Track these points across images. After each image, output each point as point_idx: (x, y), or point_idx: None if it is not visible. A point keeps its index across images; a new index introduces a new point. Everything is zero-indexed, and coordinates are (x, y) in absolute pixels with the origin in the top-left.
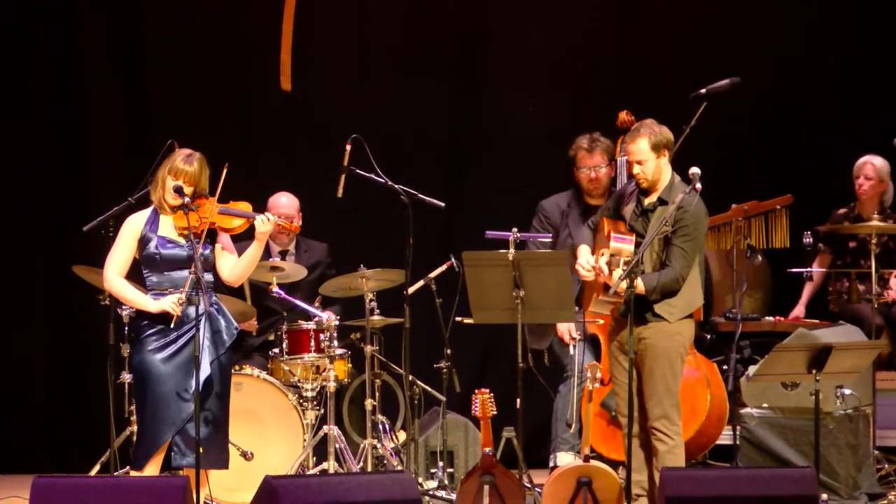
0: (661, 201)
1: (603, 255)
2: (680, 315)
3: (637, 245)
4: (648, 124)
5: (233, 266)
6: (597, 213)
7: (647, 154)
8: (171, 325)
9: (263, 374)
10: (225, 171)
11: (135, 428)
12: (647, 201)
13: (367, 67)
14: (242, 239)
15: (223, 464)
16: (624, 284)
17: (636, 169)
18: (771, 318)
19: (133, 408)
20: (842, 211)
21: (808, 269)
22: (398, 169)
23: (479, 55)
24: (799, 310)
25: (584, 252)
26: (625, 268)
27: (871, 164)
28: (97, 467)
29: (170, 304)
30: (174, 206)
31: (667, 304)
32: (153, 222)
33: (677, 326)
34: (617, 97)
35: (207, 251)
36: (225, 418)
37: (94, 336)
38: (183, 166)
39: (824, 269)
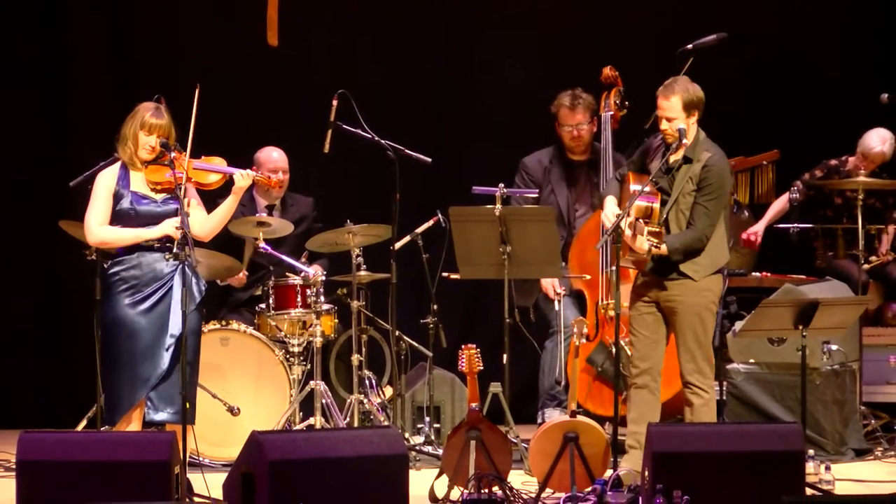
0: (686, 159)
1: (628, 216)
2: (705, 273)
3: (663, 203)
4: (682, 82)
5: (203, 221)
6: (623, 166)
7: (677, 112)
8: (174, 250)
9: (250, 330)
10: (197, 92)
11: None
12: (672, 158)
13: (354, 23)
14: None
15: (192, 420)
16: (646, 246)
17: (664, 125)
18: (757, 274)
19: None
20: (833, 162)
21: (795, 225)
22: (384, 125)
23: (465, 11)
24: (760, 226)
25: (610, 203)
26: (649, 229)
27: (883, 155)
28: (84, 422)
29: (171, 227)
30: (147, 161)
31: (692, 262)
32: (124, 178)
33: (705, 283)
34: (604, 52)
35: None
36: (195, 373)
37: (80, 291)
38: (155, 120)
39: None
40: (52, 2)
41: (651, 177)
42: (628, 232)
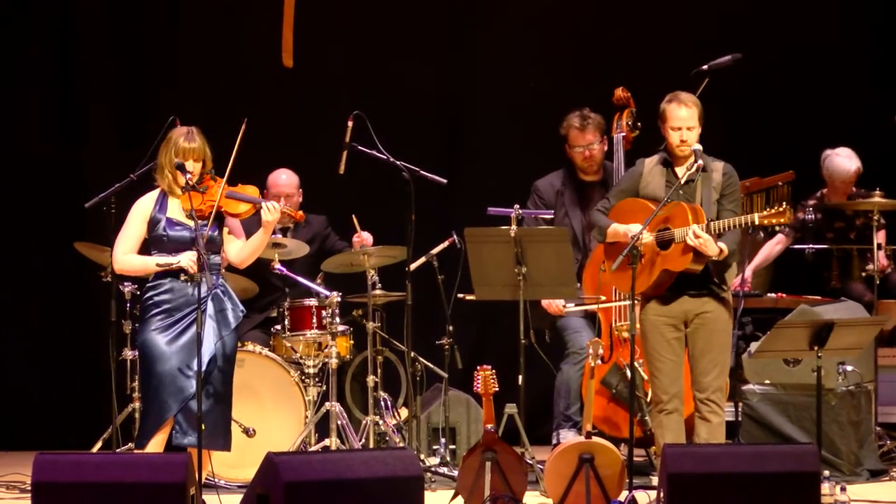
0: (703, 169)
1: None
2: (730, 282)
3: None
4: (686, 93)
5: (239, 250)
6: (604, 199)
7: (696, 120)
8: (189, 282)
9: (265, 351)
10: (243, 127)
11: (137, 405)
12: (684, 172)
13: (368, 45)
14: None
15: (226, 446)
16: (725, 247)
17: (685, 135)
18: (773, 295)
19: (135, 384)
20: (812, 201)
21: (810, 246)
22: (399, 145)
23: (477, 30)
24: (747, 272)
25: (625, 226)
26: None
27: (859, 170)
28: (99, 444)
29: (187, 260)
30: (184, 187)
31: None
32: (162, 204)
33: (728, 296)
34: (617, 71)
35: (214, 233)
36: (228, 399)
37: (96, 313)
38: (188, 145)
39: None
40: (64, 27)
41: (667, 196)
42: (706, 236)
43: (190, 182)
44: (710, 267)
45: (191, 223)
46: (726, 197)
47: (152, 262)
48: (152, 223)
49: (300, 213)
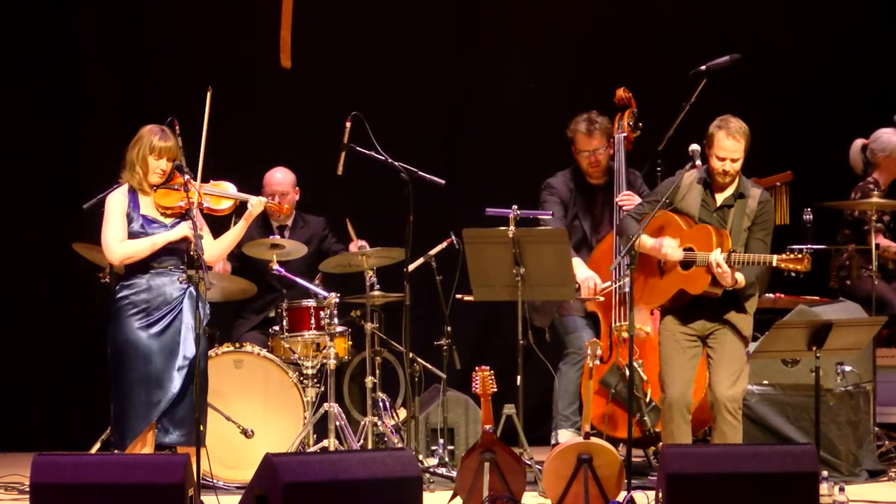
0: (740, 195)
1: (720, 252)
2: (755, 305)
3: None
4: (737, 121)
5: (210, 246)
6: (639, 205)
7: (742, 152)
8: (188, 282)
9: (264, 352)
10: (209, 96)
11: None
12: (721, 196)
13: (367, 46)
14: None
15: (194, 442)
16: (742, 278)
17: (728, 166)
18: (771, 295)
19: None
20: (870, 184)
21: (809, 246)
22: (397, 146)
23: (477, 30)
24: None
25: (671, 244)
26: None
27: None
28: (97, 445)
29: (187, 228)
30: (156, 185)
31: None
32: (133, 201)
33: (748, 316)
34: (617, 72)
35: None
36: (204, 396)
37: (94, 313)
38: (164, 143)
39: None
40: (64, 28)
41: (660, 204)
42: (726, 267)
43: (189, 182)
44: (729, 292)
45: (166, 221)
46: (758, 226)
47: (158, 240)
48: (127, 220)
49: (285, 206)
